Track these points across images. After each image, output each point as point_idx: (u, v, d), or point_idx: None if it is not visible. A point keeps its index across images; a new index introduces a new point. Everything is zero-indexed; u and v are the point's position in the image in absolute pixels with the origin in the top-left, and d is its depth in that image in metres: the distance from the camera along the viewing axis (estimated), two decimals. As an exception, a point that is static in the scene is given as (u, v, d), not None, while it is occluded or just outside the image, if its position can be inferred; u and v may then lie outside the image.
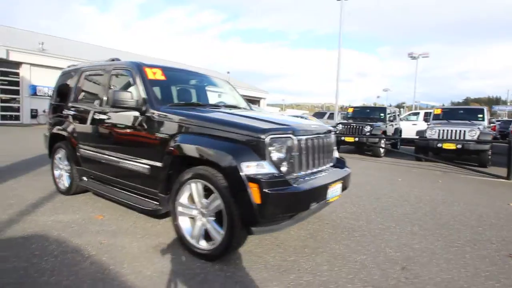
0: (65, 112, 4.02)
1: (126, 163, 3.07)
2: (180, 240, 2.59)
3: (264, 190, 2.14)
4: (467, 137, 7.84)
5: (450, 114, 9.41)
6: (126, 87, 3.54)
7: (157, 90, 3.22)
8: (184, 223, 2.60)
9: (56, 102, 4.44)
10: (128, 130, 3.10)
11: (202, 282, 2.13)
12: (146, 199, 2.99)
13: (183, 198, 2.59)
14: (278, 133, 2.37)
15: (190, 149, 2.48)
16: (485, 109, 9.07)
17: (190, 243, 2.50)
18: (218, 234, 2.35)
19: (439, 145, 8.03)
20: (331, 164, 3.06)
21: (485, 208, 4.21)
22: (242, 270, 2.31)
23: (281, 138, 2.38)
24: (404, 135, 12.08)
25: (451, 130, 8.10)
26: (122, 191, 3.28)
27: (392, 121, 11.06)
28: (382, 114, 10.65)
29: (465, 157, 8.49)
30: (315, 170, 2.70)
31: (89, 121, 3.58)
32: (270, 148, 2.29)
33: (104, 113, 3.36)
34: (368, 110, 11.45)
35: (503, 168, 6.76)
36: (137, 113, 2.98)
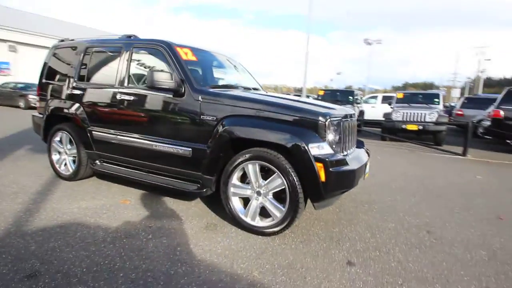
0: (70, 91, 3.69)
1: (162, 146, 2.99)
2: (234, 219, 2.68)
3: (329, 169, 2.33)
4: (427, 119, 8.85)
5: (411, 98, 10.44)
6: (150, 66, 3.39)
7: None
8: (236, 203, 2.69)
9: (49, 80, 4.03)
10: (165, 113, 3.01)
11: (274, 254, 2.29)
12: (184, 182, 2.99)
13: (235, 179, 2.67)
14: (334, 117, 2.55)
15: (249, 132, 2.54)
16: (440, 93, 10.25)
17: (246, 222, 2.62)
18: (278, 211, 2.50)
19: (404, 126, 8.95)
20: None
21: (461, 180, 4.95)
22: (301, 242, 2.51)
23: (336, 121, 2.57)
24: (365, 117, 13.07)
25: (414, 113, 9.05)
26: (152, 174, 3.21)
27: (358, 103, 11.87)
28: (350, 97, 11.37)
29: (423, 136, 9.56)
30: (351, 150, 2.95)
31: (108, 102, 3.35)
32: (328, 130, 2.47)
33: (133, 94, 3.18)
34: (338, 93, 12.11)
35: (454, 145, 7.85)
36: (174, 95, 2.90)
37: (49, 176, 3.99)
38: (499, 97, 8.28)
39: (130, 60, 3.29)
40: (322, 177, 2.34)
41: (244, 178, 2.69)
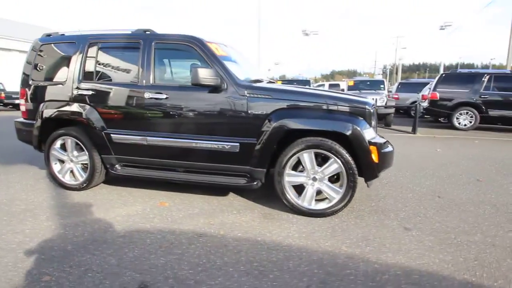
0: (75, 92, 3.33)
1: (205, 144, 2.97)
2: (292, 206, 2.84)
3: (381, 151, 2.68)
4: (378, 104, 9.96)
5: (360, 85, 11.58)
6: (175, 62, 3.28)
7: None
8: (292, 191, 2.87)
9: (38, 81, 3.55)
10: (207, 109, 2.97)
11: (344, 231, 2.56)
12: (230, 177, 3.04)
13: (289, 169, 2.83)
14: (373, 105, 2.89)
15: (307, 123, 2.72)
16: (385, 80, 11.59)
17: (304, 207, 2.82)
18: (336, 193, 2.76)
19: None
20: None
21: (428, 153, 5.84)
22: (356, 218, 2.82)
23: (374, 108, 2.91)
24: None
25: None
26: (190, 173, 3.16)
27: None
28: (307, 86, 12.09)
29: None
30: None
31: (132, 102, 3.15)
32: (372, 117, 2.80)
33: (166, 92, 3.04)
34: (295, 83, 12.75)
35: (400, 126, 9.09)
36: (216, 91, 2.90)
37: (48, 188, 3.59)
38: (435, 81, 9.74)
39: (154, 56, 3.13)
40: (376, 159, 2.67)
41: (294, 167, 2.87)
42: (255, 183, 2.93)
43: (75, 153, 3.47)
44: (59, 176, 3.54)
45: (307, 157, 2.77)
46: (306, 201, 2.83)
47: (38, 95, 3.56)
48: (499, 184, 3.89)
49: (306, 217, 2.82)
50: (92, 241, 2.37)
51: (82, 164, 3.49)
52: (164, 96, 3.05)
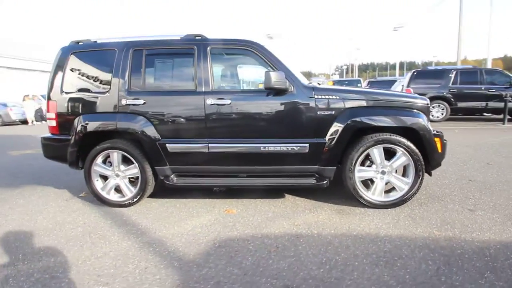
0: (123, 102, 3.12)
1: (273, 147, 2.99)
2: (365, 200, 2.97)
3: (443, 141, 2.93)
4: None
5: (339, 84, 12.20)
6: (233, 68, 3.25)
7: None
8: (361, 185, 3.01)
9: (72, 92, 3.27)
10: (276, 113, 2.99)
11: (423, 218, 2.75)
12: (299, 178, 3.09)
13: (359, 164, 2.97)
14: (428, 101, 3.15)
15: (379, 121, 2.87)
16: (361, 79, 12.36)
17: (376, 199, 2.97)
18: (405, 184, 2.95)
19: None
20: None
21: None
22: (420, 205, 3.03)
23: (428, 104, 3.18)
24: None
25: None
26: (253, 177, 3.15)
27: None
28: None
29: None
30: None
31: (192, 109, 3.05)
32: (428, 111, 3.05)
33: (230, 98, 3.00)
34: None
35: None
36: (283, 94, 2.94)
37: (88, 207, 3.32)
38: (408, 78, 10.61)
39: (210, 61, 3.07)
40: (440, 149, 2.91)
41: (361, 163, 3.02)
42: (324, 182, 3.02)
43: (122, 167, 3.25)
44: (103, 193, 3.29)
45: (377, 152, 2.93)
46: (377, 194, 2.99)
47: (73, 108, 3.28)
48: (508, 165, 4.42)
49: (379, 209, 2.97)
50: (196, 254, 2.27)
51: (129, 178, 3.29)
52: (228, 101, 3.00)
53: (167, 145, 3.12)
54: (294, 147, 2.99)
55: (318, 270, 2.02)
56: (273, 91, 2.95)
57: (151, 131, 3.11)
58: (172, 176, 3.22)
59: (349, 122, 2.89)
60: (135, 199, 3.26)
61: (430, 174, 3.09)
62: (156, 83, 3.23)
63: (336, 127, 2.92)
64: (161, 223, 2.88)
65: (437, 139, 2.90)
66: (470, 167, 4.40)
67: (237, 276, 1.99)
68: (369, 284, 1.86)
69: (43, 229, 2.82)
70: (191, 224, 2.83)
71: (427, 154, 2.91)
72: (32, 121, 15.53)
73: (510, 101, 8.65)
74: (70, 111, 3.29)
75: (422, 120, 2.87)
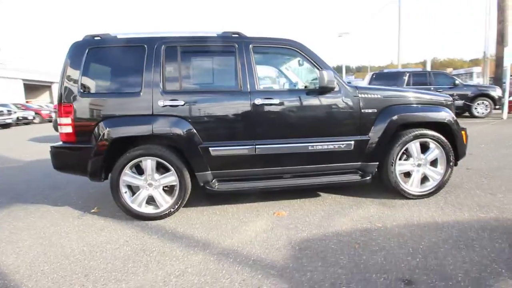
0: (159, 103, 2.83)
1: (320, 145, 3.00)
2: (404, 193, 3.15)
3: (467, 133, 3.27)
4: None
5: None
6: (276, 67, 3.17)
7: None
8: (401, 178, 3.19)
9: (95, 93, 2.88)
10: (324, 112, 3.01)
11: (459, 203, 3.03)
12: (343, 175, 3.15)
13: (398, 158, 3.15)
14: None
15: (414, 117, 3.09)
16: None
17: (414, 191, 3.18)
18: (438, 174, 3.21)
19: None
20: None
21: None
22: (447, 194, 3.33)
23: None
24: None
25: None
26: (298, 178, 3.12)
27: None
28: None
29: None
30: None
31: (237, 111, 2.90)
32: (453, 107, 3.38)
33: (278, 98, 2.94)
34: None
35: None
36: (330, 93, 2.98)
37: (117, 223, 2.95)
38: (368, 79, 11.49)
39: (253, 60, 2.96)
40: (465, 140, 3.24)
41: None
42: (368, 177, 3.13)
43: (156, 175, 2.95)
44: (133, 206, 2.95)
45: (414, 146, 3.14)
46: (415, 186, 3.20)
47: (94, 111, 2.88)
48: (484, 155, 5.09)
49: (416, 199, 3.18)
50: (285, 259, 2.17)
51: (164, 187, 3.00)
52: (277, 101, 2.93)
53: (210, 148, 2.92)
54: (341, 145, 3.04)
55: (414, 260, 2.10)
56: (317, 91, 2.98)
57: (192, 135, 2.88)
58: (213, 181, 3.03)
59: (393, 118, 3.05)
60: (172, 210, 2.98)
61: (456, 164, 3.41)
62: (195, 82, 3.01)
63: (380, 124, 3.06)
64: (215, 232, 2.69)
65: (463, 132, 3.22)
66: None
67: (346, 276, 1.96)
68: (469, 266, 1.99)
69: (79, 253, 2.42)
70: (250, 230, 2.69)
71: (456, 146, 3.21)
72: None
73: (456, 99, 9.96)
74: (91, 115, 2.88)
75: (452, 115, 3.17)
